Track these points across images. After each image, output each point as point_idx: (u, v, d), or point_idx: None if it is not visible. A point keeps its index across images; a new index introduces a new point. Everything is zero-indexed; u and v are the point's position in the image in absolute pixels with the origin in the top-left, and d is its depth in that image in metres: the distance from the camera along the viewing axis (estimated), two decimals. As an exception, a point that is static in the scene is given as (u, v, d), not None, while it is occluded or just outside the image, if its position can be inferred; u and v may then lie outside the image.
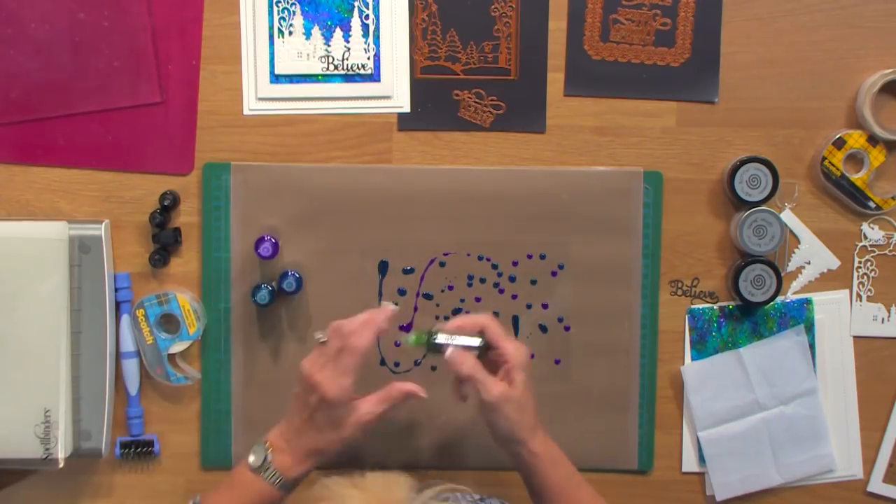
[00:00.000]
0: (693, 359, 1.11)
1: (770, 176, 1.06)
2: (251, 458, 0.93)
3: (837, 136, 1.08)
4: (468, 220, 1.08)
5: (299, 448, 0.93)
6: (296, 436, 0.94)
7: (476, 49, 1.08)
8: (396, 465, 1.08)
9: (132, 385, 1.07)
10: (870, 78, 1.08)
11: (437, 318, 1.08)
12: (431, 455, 1.09)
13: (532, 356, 1.08)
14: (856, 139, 1.08)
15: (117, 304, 1.07)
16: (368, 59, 1.07)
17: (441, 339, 0.93)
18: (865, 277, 1.11)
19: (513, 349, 0.93)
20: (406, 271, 1.08)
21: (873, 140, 1.08)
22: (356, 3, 1.07)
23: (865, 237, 1.11)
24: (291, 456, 0.93)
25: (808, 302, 1.11)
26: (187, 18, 1.06)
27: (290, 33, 1.07)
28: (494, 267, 1.09)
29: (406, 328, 1.09)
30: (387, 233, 1.08)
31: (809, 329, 1.11)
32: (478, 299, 1.09)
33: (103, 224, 1.05)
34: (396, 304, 1.09)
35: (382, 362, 1.09)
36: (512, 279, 1.09)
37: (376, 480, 0.74)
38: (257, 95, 1.07)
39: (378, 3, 1.07)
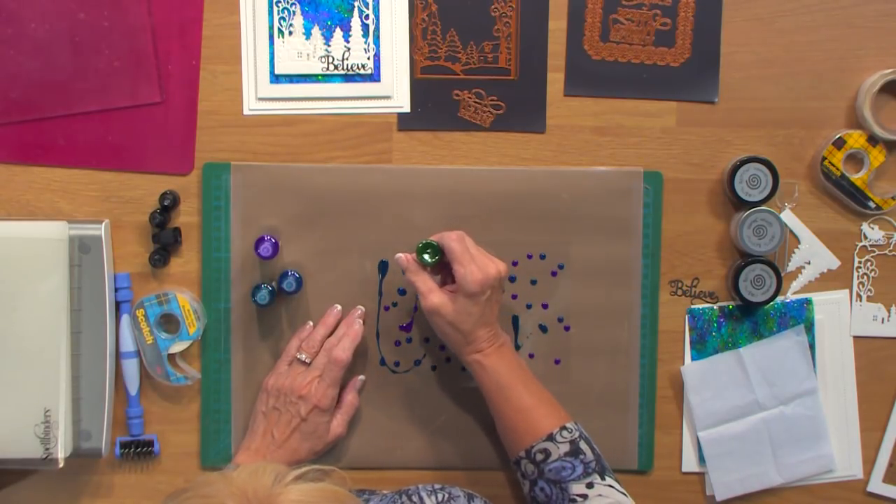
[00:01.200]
0: (693, 359, 1.11)
1: (770, 176, 1.06)
2: None
3: (837, 136, 1.08)
4: (468, 220, 1.08)
5: (280, 459, 1.01)
6: (277, 448, 1.02)
7: (476, 49, 1.08)
8: (396, 465, 1.09)
9: (132, 385, 1.07)
10: (870, 78, 1.08)
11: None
12: (431, 455, 1.09)
13: (531, 356, 1.08)
14: (856, 139, 1.08)
15: (117, 304, 1.07)
16: (368, 59, 1.07)
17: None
18: (865, 277, 1.11)
19: (462, 274, 0.96)
20: (406, 271, 1.08)
21: (873, 140, 1.08)
22: (356, 3, 1.07)
23: (865, 237, 1.10)
24: None
25: (808, 302, 1.10)
26: (187, 18, 1.06)
27: (290, 33, 1.07)
28: (494, 267, 1.09)
29: (406, 328, 1.09)
30: (387, 233, 1.08)
31: (809, 329, 1.10)
32: (478, 299, 1.09)
33: (103, 224, 1.05)
34: (395, 304, 1.09)
35: (382, 362, 1.09)
36: (512, 279, 1.09)
37: (243, 471, 0.77)
38: (257, 95, 1.07)
39: (378, 3, 1.07)
